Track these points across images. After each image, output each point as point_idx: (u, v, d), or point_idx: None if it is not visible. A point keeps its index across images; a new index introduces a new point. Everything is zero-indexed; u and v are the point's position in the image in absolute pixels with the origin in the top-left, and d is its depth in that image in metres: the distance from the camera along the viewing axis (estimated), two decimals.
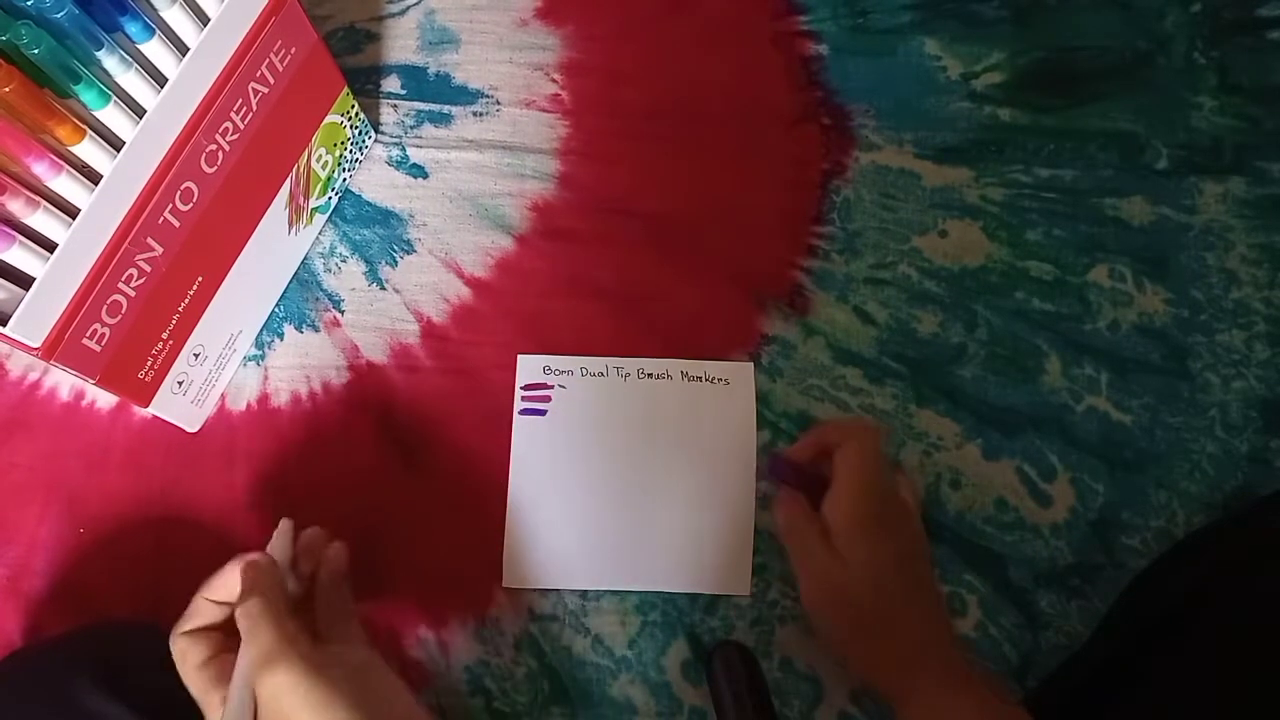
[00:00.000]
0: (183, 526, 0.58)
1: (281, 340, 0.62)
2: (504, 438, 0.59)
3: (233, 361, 0.60)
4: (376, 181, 0.65)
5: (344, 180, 0.64)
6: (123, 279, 0.47)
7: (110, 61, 0.45)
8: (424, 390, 0.60)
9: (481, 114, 0.66)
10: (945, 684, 0.45)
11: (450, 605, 0.57)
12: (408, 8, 0.69)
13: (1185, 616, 0.49)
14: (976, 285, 0.62)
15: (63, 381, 0.61)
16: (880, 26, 0.68)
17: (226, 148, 0.50)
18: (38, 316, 0.44)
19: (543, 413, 0.60)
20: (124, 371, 0.51)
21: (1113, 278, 0.61)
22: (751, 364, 0.60)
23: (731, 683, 0.52)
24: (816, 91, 0.66)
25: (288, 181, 0.57)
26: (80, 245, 0.44)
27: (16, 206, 0.43)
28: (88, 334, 0.47)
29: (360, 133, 0.63)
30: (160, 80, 0.47)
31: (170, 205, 0.48)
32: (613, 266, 0.63)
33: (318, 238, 0.64)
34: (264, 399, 0.61)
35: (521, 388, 0.60)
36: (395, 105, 0.67)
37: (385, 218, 0.64)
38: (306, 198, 0.60)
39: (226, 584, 0.45)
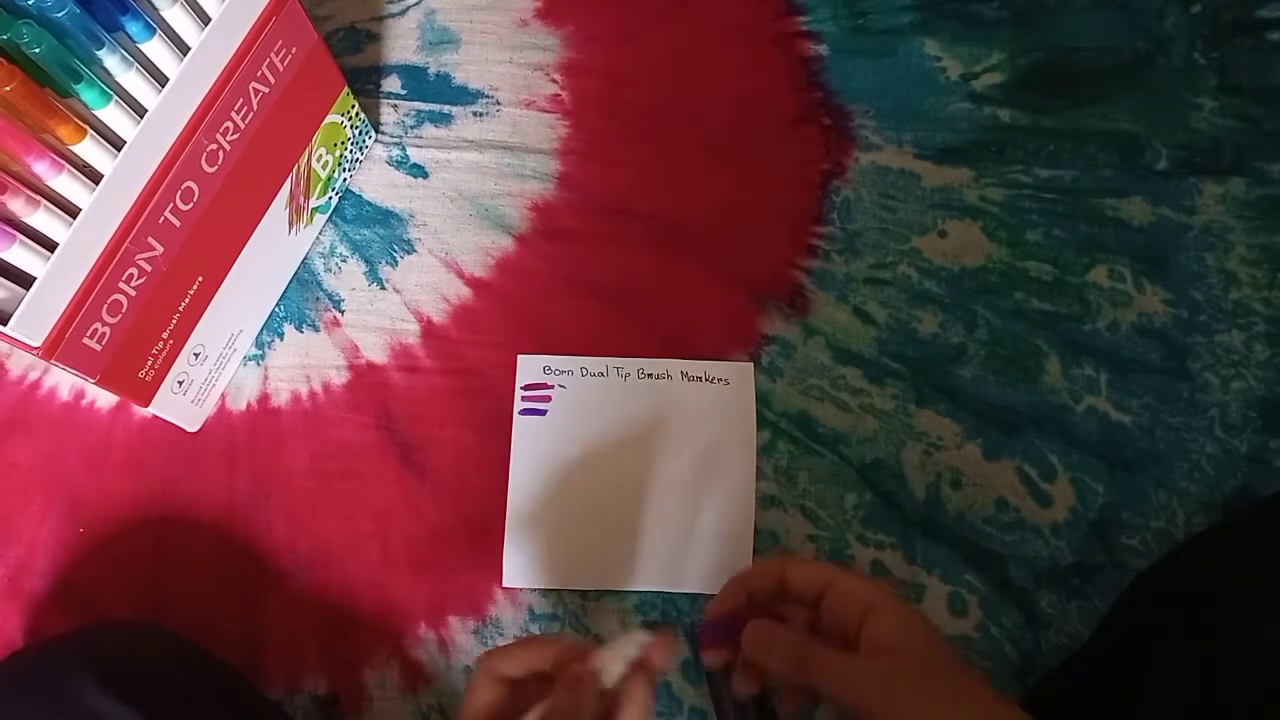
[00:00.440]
0: (183, 526, 0.58)
1: (282, 340, 0.62)
2: (504, 438, 0.59)
3: (233, 361, 0.60)
4: (377, 181, 0.65)
5: (344, 180, 0.64)
6: (123, 278, 0.47)
7: (111, 61, 0.45)
8: (424, 390, 0.60)
9: (482, 114, 0.66)
10: None
11: (450, 605, 0.57)
12: (408, 8, 0.69)
13: (1186, 617, 0.49)
14: (976, 285, 0.62)
15: (63, 381, 0.61)
16: (880, 27, 0.68)
17: (227, 147, 0.50)
18: (38, 316, 0.44)
19: (543, 413, 0.60)
20: (124, 371, 0.51)
21: (1112, 278, 0.62)
22: (751, 364, 0.60)
23: (731, 683, 0.52)
24: (816, 92, 0.66)
25: (288, 181, 0.57)
26: (81, 244, 0.44)
27: (17, 206, 0.43)
28: (88, 333, 0.47)
29: (360, 133, 0.63)
30: (161, 80, 0.47)
31: (171, 205, 0.48)
32: (613, 266, 0.63)
33: (318, 237, 0.64)
34: (264, 399, 0.61)
35: (521, 388, 0.60)
36: (395, 105, 0.67)
37: (385, 217, 0.64)
38: (307, 197, 0.60)
39: (530, 659, 0.41)
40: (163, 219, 0.48)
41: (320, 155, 0.59)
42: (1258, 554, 0.49)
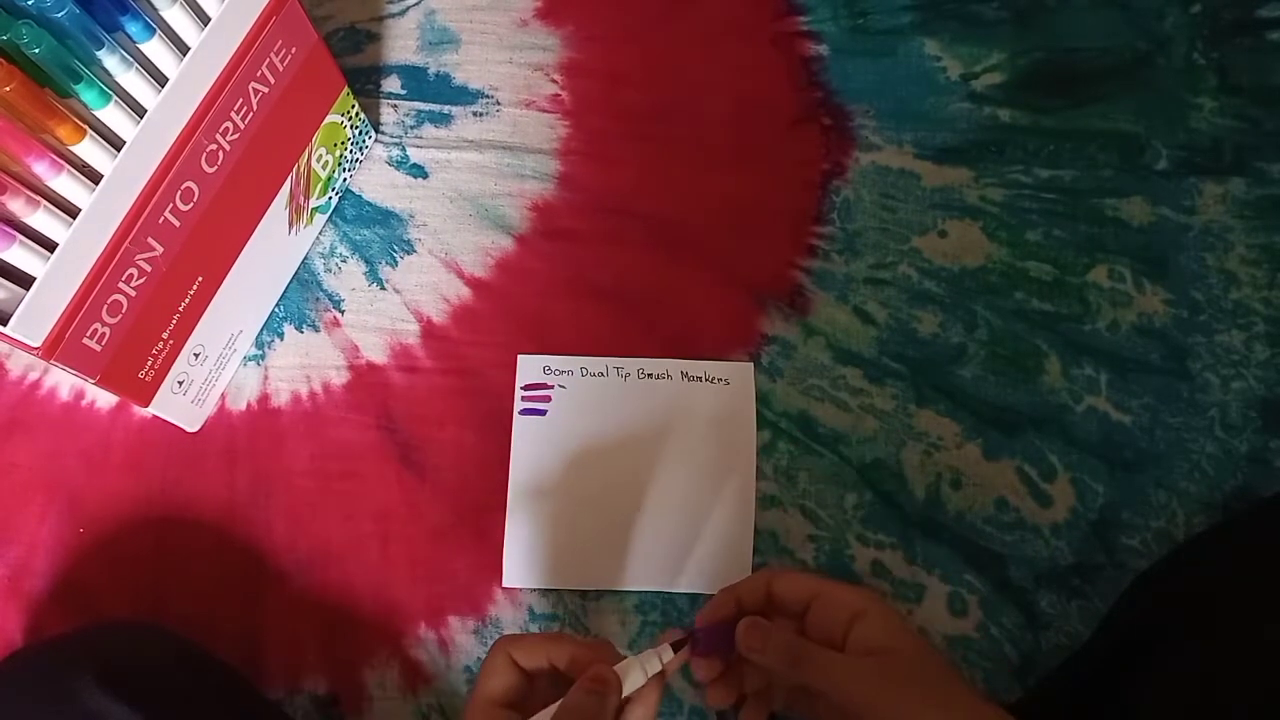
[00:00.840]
0: (183, 526, 0.58)
1: (282, 340, 0.62)
2: (504, 438, 0.59)
3: (233, 361, 0.60)
4: (377, 181, 0.65)
5: (344, 180, 0.64)
6: (123, 278, 0.47)
7: (111, 61, 0.45)
8: (424, 390, 0.60)
9: (482, 114, 0.66)
10: None
11: (450, 605, 0.57)
12: (408, 8, 0.69)
13: (1186, 617, 0.49)
14: (976, 285, 0.62)
15: (63, 381, 0.61)
16: (880, 27, 0.68)
17: (227, 147, 0.50)
18: (38, 316, 0.44)
19: (543, 413, 0.60)
20: (124, 371, 0.51)
21: (1112, 278, 0.62)
22: (751, 364, 0.60)
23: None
24: (816, 92, 0.66)
25: (288, 181, 0.57)
26: (80, 245, 0.44)
27: (17, 206, 0.43)
28: (88, 334, 0.47)
29: (360, 133, 0.63)
30: (161, 80, 0.47)
31: (171, 205, 0.48)
32: (613, 266, 0.63)
33: (318, 238, 0.64)
34: (264, 399, 0.61)
35: (521, 388, 0.60)
36: (395, 105, 0.67)
37: (385, 218, 0.64)
38: (307, 197, 0.60)
39: (549, 654, 0.40)
40: (162, 219, 0.48)
41: (320, 155, 0.59)
42: (1258, 554, 0.49)
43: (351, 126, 0.61)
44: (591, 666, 0.38)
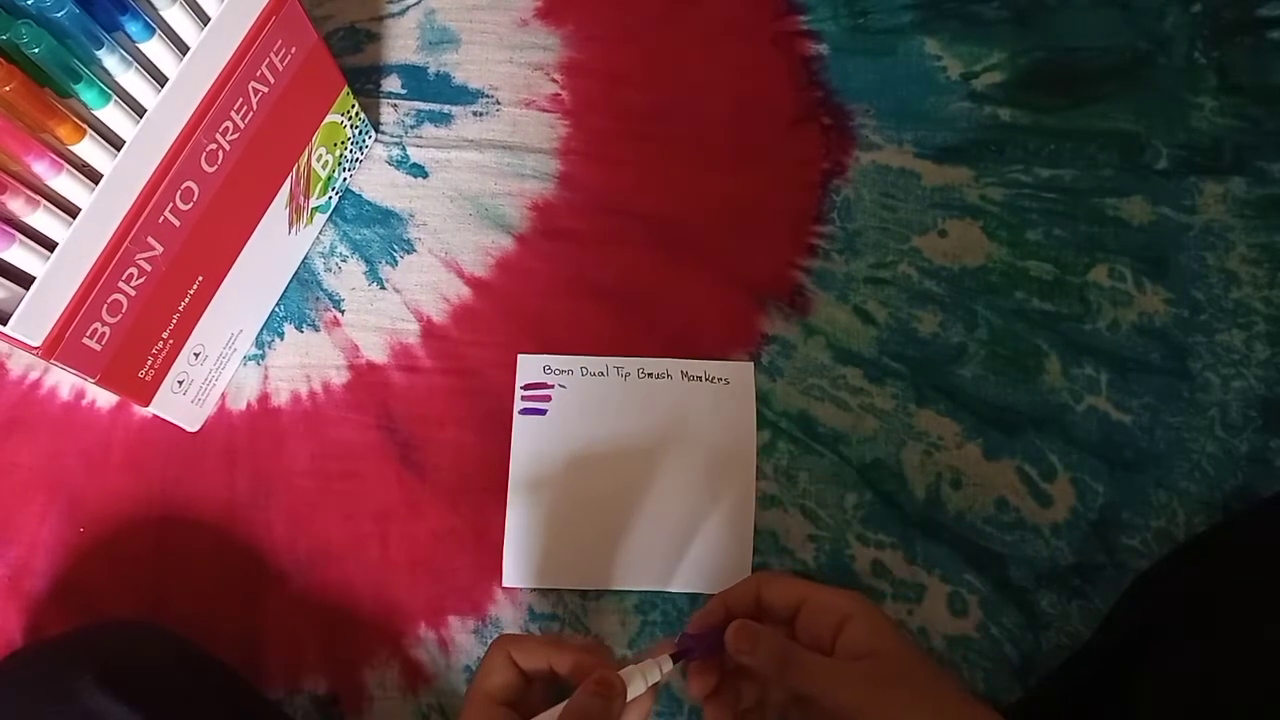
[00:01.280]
0: (183, 526, 0.58)
1: (282, 340, 0.62)
2: (504, 438, 0.59)
3: (233, 361, 0.60)
4: (377, 181, 0.65)
5: (344, 180, 0.64)
6: (123, 278, 0.47)
7: (110, 61, 0.45)
8: (424, 390, 0.60)
9: (482, 114, 0.66)
10: None
11: (450, 605, 0.57)
12: (408, 7, 0.69)
13: (1186, 617, 0.49)
14: (976, 285, 0.62)
15: (63, 381, 0.61)
16: (880, 26, 0.68)
17: (227, 147, 0.50)
18: (38, 315, 0.44)
19: (543, 413, 0.60)
20: (124, 371, 0.51)
21: (1113, 277, 0.61)
22: (751, 364, 0.60)
23: None
24: (817, 91, 0.66)
25: (288, 181, 0.57)
26: (80, 244, 0.44)
27: (17, 205, 0.43)
28: (88, 333, 0.47)
29: (360, 132, 0.63)
30: (160, 80, 0.47)
31: (170, 204, 0.48)
32: (613, 266, 0.63)
33: (318, 237, 0.64)
34: (264, 398, 0.61)
35: (521, 388, 0.60)
36: (395, 105, 0.67)
37: (385, 217, 0.64)
38: (307, 197, 0.60)
39: (550, 657, 0.40)
40: (162, 219, 0.48)
41: (320, 155, 0.59)
42: (1258, 554, 0.49)
43: (351, 126, 0.61)
44: (597, 671, 0.38)
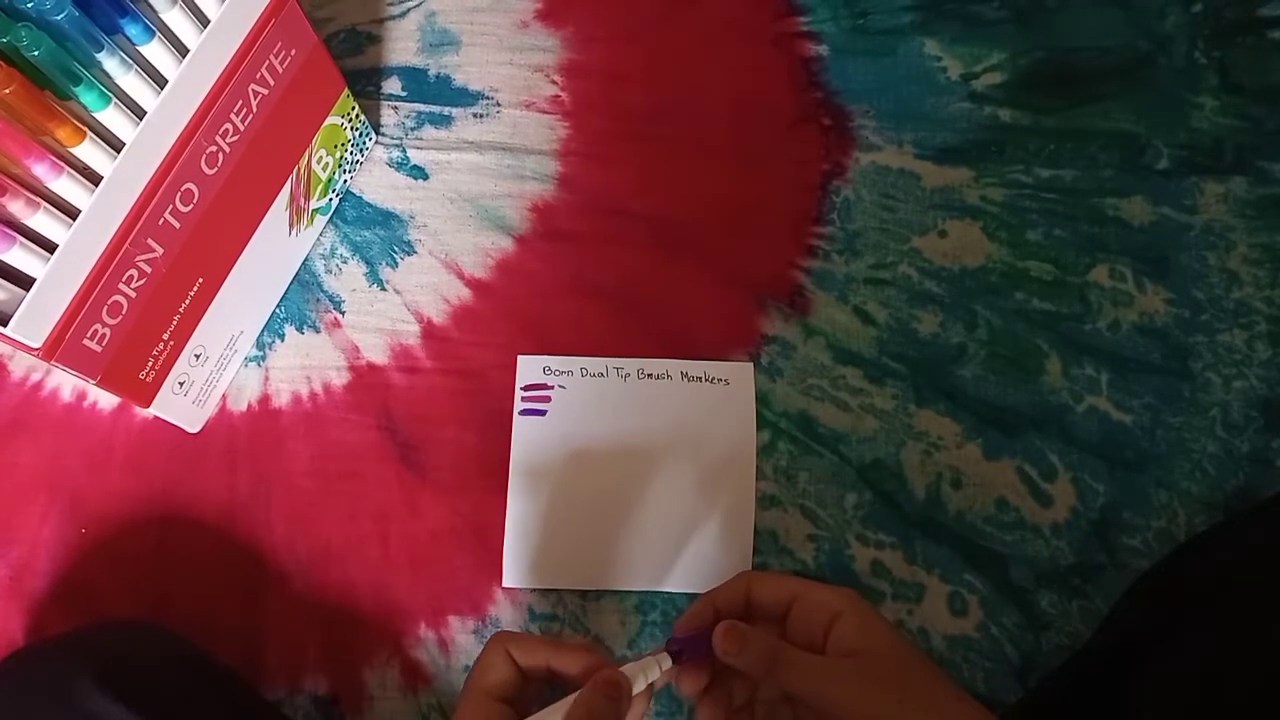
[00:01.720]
0: (184, 526, 0.58)
1: (282, 341, 0.62)
2: (504, 438, 0.59)
3: (234, 362, 0.60)
4: (377, 183, 0.65)
5: (345, 182, 0.64)
6: (123, 280, 0.47)
7: (110, 63, 0.46)
8: (424, 390, 0.61)
9: (482, 115, 0.66)
10: None
11: (450, 605, 0.57)
12: (408, 10, 0.69)
13: (1186, 617, 0.49)
14: (977, 285, 0.62)
15: (64, 382, 0.62)
16: (880, 27, 0.68)
17: (227, 149, 0.50)
18: (38, 317, 0.44)
19: (543, 413, 0.60)
20: (125, 372, 0.51)
21: (1113, 278, 0.61)
22: (751, 364, 0.60)
23: None
24: (817, 92, 0.66)
25: (288, 183, 0.57)
26: (81, 246, 0.44)
27: (17, 208, 0.44)
28: (88, 335, 0.47)
29: (361, 134, 0.63)
30: (160, 82, 0.48)
31: (170, 206, 0.48)
32: (613, 267, 0.63)
33: (318, 239, 0.64)
34: (265, 399, 0.61)
35: (521, 388, 0.60)
36: (396, 107, 0.67)
37: (386, 219, 0.64)
38: (307, 199, 0.60)
39: (549, 657, 0.40)
40: (162, 221, 0.48)
41: (320, 157, 0.59)
42: (1260, 553, 0.49)
43: (352, 128, 0.62)
44: (603, 671, 0.38)
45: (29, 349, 0.44)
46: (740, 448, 0.59)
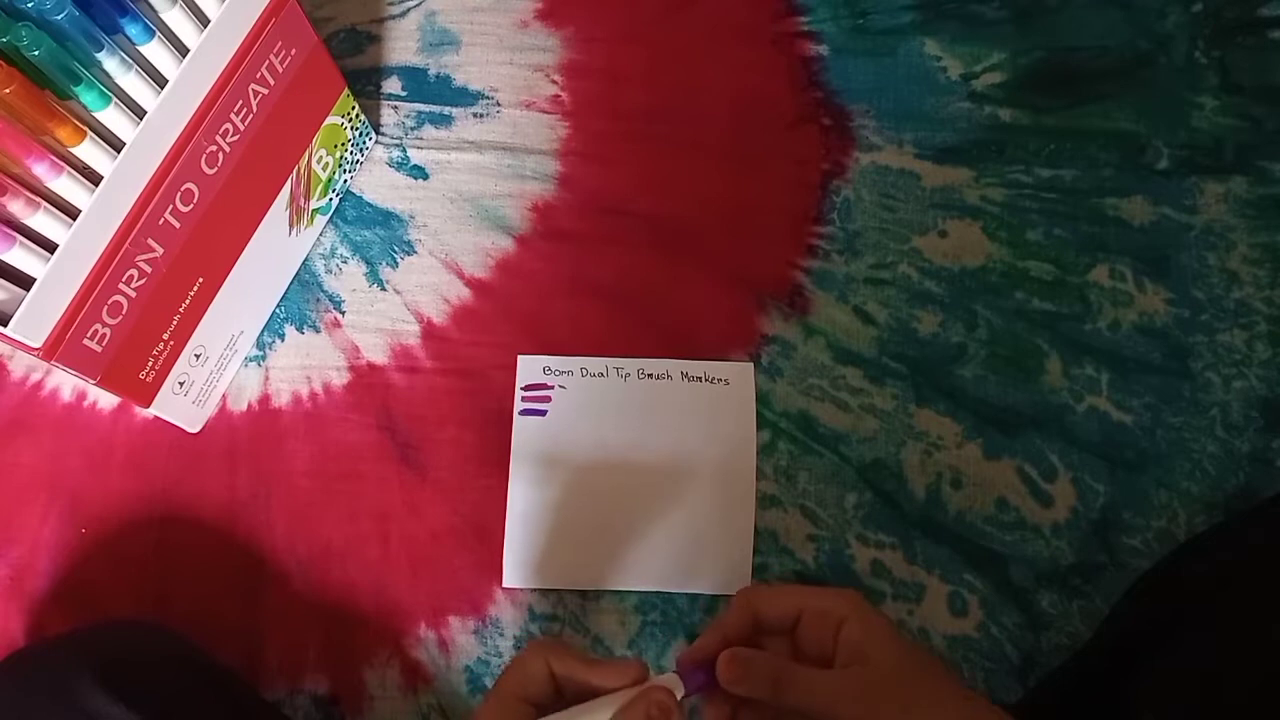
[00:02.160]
0: (184, 526, 0.58)
1: (282, 341, 0.62)
2: (504, 438, 0.59)
3: (234, 362, 0.60)
4: (377, 183, 0.65)
5: (345, 181, 0.64)
6: (123, 280, 0.47)
7: (111, 63, 0.45)
8: (424, 390, 0.61)
9: (482, 115, 0.66)
10: None
11: (450, 605, 0.57)
12: (408, 9, 0.69)
13: (1187, 617, 0.49)
14: (976, 285, 0.62)
15: (65, 382, 0.62)
16: (880, 27, 0.68)
17: (227, 149, 0.50)
18: (38, 317, 0.44)
19: (543, 413, 0.60)
20: (125, 372, 0.51)
21: (1113, 277, 0.61)
22: (751, 364, 0.60)
23: None
24: (817, 92, 0.66)
25: (288, 183, 0.57)
26: (81, 246, 0.44)
27: (17, 207, 0.44)
28: (88, 334, 0.47)
29: (361, 134, 0.63)
30: (161, 82, 0.48)
31: (171, 206, 0.48)
32: (613, 267, 0.63)
33: (318, 239, 0.64)
34: (265, 399, 0.61)
35: (521, 388, 0.60)
36: (396, 107, 0.67)
37: (386, 219, 0.64)
38: (307, 199, 0.60)
39: (611, 680, 0.39)
40: (162, 220, 0.48)
41: (320, 157, 0.59)
42: (1261, 553, 0.49)
43: (352, 128, 0.62)
44: (655, 692, 0.38)
45: (29, 349, 0.44)
46: (740, 448, 0.59)
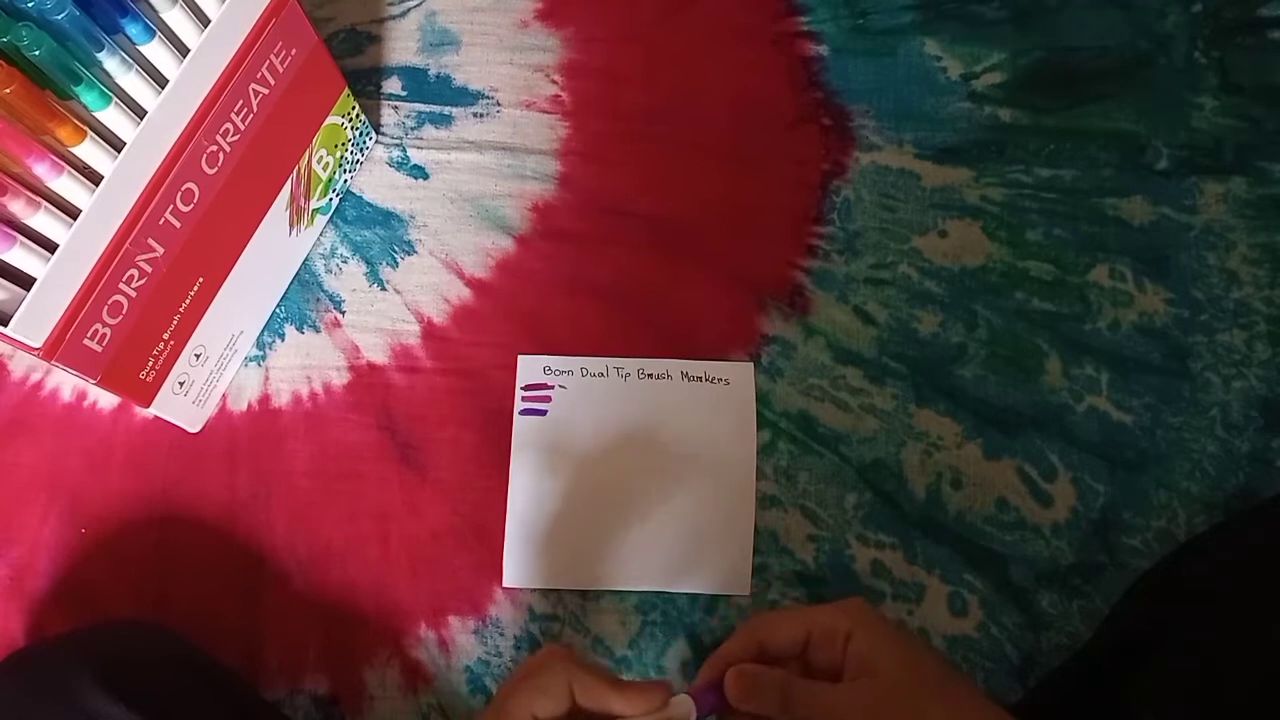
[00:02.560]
0: (184, 526, 0.58)
1: (282, 341, 0.62)
2: (504, 438, 0.59)
3: (234, 362, 0.60)
4: (377, 183, 0.65)
5: (345, 181, 0.64)
6: (124, 279, 0.47)
7: (111, 63, 0.46)
8: (424, 390, 0.61)
9: (482, 115, 0.66)
10: None
11: (450, 605, 0.57)
12: (408, 9, 0.69)
13: (1187, 617, 0.49)
14: (976, 285, 0.62)
15: (65, 382, 0.62)
16: (880, 27, 0.68)
17: (227, 149, 0.50)
18: (39, 317, 0.44)
19: (543, 413, 0.60)
20: (125, 372, 0.51)
21: (1113, 277, 0.61)
22: (751, 364, 0.60)
23: None
24: (817, 92, 0.66)
25: (288, 183, 0.57)
26: (81, 246, 0.44)
27: (18, 207, 0.44)
28: (89, 334, 0.47)
29: (361, 134, 0.63)
30: (161, 81, 0.48)
31: (171, 206, 0.48)
32: (613, 267, 0.63)
33: (319, 239, 0.64)
34: (265, 399, 0.61)
35: (521, 388, 0.60)
36: (396, 107, 0.67)
37: (386, 219, 0.64)
38: (307, 199, 0.60)
39: (633, 704, 0.39)
40: (163, 220, 0.48)
41: (321, 156, 0.59)
42: (1259, 554, 0.49)
43: (352, 128, 0.62)
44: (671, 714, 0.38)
45: (29, 349, 0.44)
46: (740, 448, 0.59)
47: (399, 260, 0.63)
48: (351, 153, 0.63)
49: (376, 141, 0.66)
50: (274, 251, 0.59)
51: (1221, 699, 0.44)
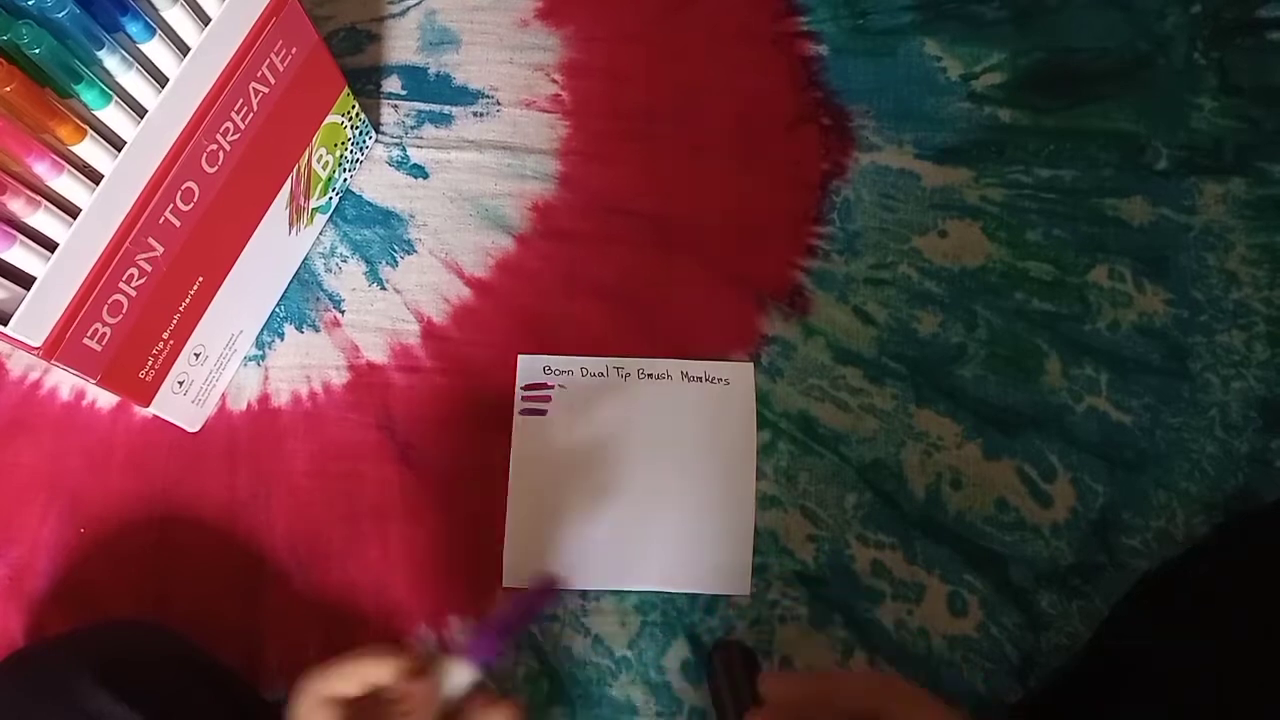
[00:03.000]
0: (184, 526, 0.58)
1: (282, 340, 0.62)
2: (504, 438, 0.59)
3: (233, 361, 0.60)
4: (377, 182, 0.65)
5: (345, 180, 0.64)
6: (123, 279, 0.47)
7: (111, 61, 0.45)
8: (424, 390, 0.61)
9: (482, 114, 0.66)
10: None
11: (450, 605, 0.57)
12: (408, 8, 0.69)
13: (1188, 617, 0.49)
14: (976, 285, 0.62)
15: (64, 381, 0.61)
16: (880, 27, 0.68)
17: (227, 148, 0.50)
18: (38, 316, 0.44)
19: (543, 413, 0.60)
20: (125, 371, 0.51)
21: (1113, 278, 0.61)
22: (751, 364, 0.60)
23: (731, 682, 0.52)
24: (816, 92, 0.66)
25: (288, 182, 0.57)
26: (81, 245, 0.44)
27: (17, 206, 0.43)
28: (88, 334, 0.47)
29: (361, 133, 0.63)
30: (161, 80, 0.48)
31: (171, 205, 0.48)
32: (613, 267, 0.63)
33: (318, 238, 0.64)
34: (264, 399, 0.61)
35: (521, 388, 0.60)
36: (396, 105, 0.67)
37: (386, 218, 0.64)
38: (307, 198, 0.60)
39: (368, 675, 0.41)
40: (163, 219, 0.48)
41: (320, 155, 0.59)
42: (1259, 554, 0.49)
43: (352, 127, 0.61)
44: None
45: (29, 348, 0.44)
46: (740, 448, 0.59)
47: (399, 259, 0.63)
48: (351, 152, 0.63)
49: (376, 140, 0.66)
50: (274, 250, 0.59)
51: (1221, 699, 0.44)
